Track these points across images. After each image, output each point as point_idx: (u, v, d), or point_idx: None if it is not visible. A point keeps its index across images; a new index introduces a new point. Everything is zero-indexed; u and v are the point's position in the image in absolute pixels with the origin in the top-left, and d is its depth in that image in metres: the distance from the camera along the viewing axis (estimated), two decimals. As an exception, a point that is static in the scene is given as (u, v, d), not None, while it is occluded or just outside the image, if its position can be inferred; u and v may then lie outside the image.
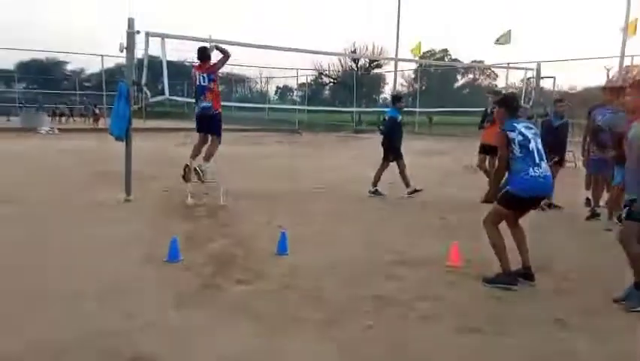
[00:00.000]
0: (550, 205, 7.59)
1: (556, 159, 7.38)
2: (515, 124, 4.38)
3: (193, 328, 3.40)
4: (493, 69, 46.53)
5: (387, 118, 8.95)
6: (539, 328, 3.56)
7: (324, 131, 27.97)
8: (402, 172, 8.66)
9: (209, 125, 7.67)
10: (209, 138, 7.78)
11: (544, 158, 4.40)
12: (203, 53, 7.60)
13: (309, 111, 32.61)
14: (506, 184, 4.41)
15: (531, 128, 4.44)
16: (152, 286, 4.16)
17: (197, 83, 7.56)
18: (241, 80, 48.12)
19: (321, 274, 4.52)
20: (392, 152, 8.73)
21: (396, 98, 9.40)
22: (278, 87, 55.05)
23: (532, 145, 4.29)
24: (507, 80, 25.90)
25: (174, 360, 2.96)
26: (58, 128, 21.51)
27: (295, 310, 3.74)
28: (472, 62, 49.86)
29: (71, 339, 3.17)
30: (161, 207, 7.10)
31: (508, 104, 4.60)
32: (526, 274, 4.41)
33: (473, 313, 3.76)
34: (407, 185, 8.58)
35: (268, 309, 3.76)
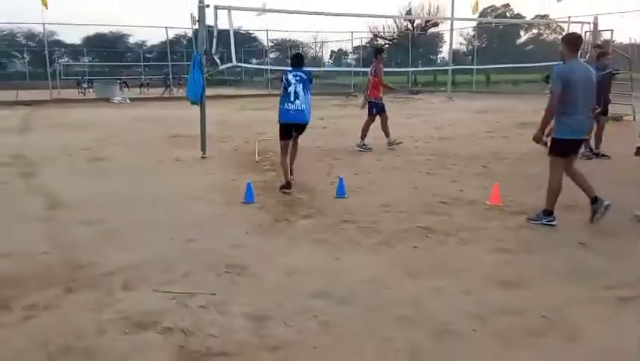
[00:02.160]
0: (598, 154, 7.94)
1: (598, 110, 7.58)
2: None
3: (271, 248, 4.23)
4: (558, 23, 44.56)
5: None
6: (563, 249, 4.16)
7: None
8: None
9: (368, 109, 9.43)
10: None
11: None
12: (377, 51, 9.98)
13: (363, 74, 32.78)
14: None
15: (297, 76, 6.18)
16: (235, 220, 5.03)
17: (368, 75, 9.54)
18: (295, 45, 48.70)
19: (375, 212, 5.24)
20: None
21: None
22: (332, 51, 55.14)
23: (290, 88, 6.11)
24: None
25: (260, 268, 3.78)
26: (130, 98, 23.03)
27: (352, 237, 4.50)
28: (536, 16, 47.95)
29: (178, 254, 4.08)
30: (233, 163, 8.01)
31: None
32: None
33: (506, 240, 4.39)
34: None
35: (330, 236, 4.53)
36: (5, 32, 52.23)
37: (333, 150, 9.28)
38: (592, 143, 8.18)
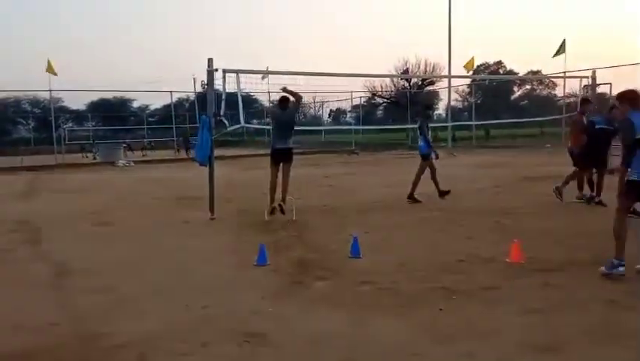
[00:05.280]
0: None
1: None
2: None
3: (289, 314, 4.06)
4: (551, 79, 45.70)
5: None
6: (594, 308, 3.99)
7: (379, 150, 28.54)
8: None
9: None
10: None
11: None
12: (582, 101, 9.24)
13: (363, 132, 33.29)
14: None
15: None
16: (249, 284, 4.87)
17: None
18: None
19: (392, 272, 5.10)
20: None
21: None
22: (331, 110, 56.23)
23: None
24: (564, 90, 25.64)
25: (280, 336, 3.60)
26: (134, 161, 23.21)
27: (373, 300, 4.34)
28: (529, 72, 49.22)
29: (194, 323, 3.91)
30: (241, 224, 7.90)
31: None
32: None
33: (533, 299, 4.21)
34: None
35: (349, 299, 4.37)
36: (11, 100, 53.58)
37: (341, 207, 9.21)
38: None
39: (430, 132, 9.91)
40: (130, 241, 6.95)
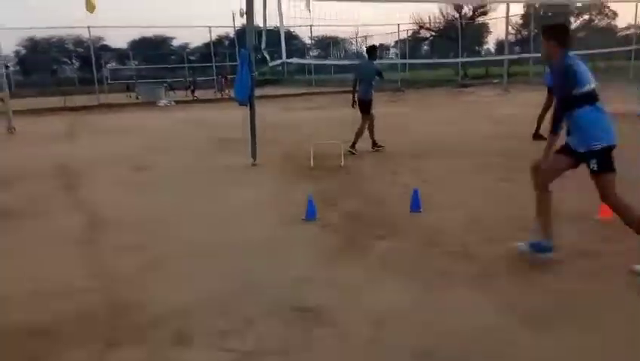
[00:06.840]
0: None
1: None
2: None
3: (346, 284, 3.48)
4: (611, 8, 42.02)
5: None
6: None
7: (426, 87, 27.13)
8: None
9: None
10: None
11: None
12: None
13: (409, 68, 31.70)
14: None
15: None
16: (297, 243, 4.31)
17: None
18: (336, 41, 47.72)
19: (462, 231, 4.43)
20: None
21: None
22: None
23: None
24: (636, 19, 23.25)
25: (339, 314, 3.04)
26: (175, 101, 22.86)
27: (442, 266, 3.70)
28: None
29: (236, 291, 3.39)
30: (285, 170, 7.33)
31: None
32: None
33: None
34: None
35: (415, 265, 3.75)
36: (54, 39, 53.86)
37: (392, 151, 8.50)
38: None
39: None
40: (166, 188, 6.51)
